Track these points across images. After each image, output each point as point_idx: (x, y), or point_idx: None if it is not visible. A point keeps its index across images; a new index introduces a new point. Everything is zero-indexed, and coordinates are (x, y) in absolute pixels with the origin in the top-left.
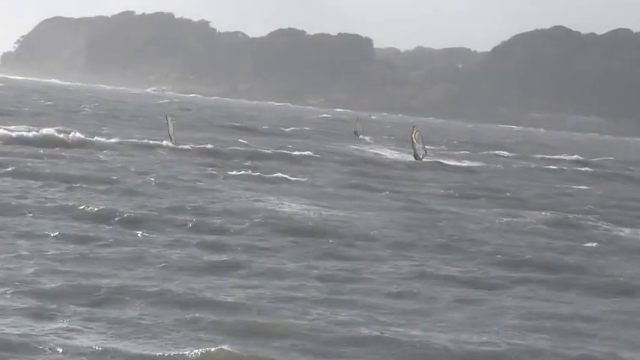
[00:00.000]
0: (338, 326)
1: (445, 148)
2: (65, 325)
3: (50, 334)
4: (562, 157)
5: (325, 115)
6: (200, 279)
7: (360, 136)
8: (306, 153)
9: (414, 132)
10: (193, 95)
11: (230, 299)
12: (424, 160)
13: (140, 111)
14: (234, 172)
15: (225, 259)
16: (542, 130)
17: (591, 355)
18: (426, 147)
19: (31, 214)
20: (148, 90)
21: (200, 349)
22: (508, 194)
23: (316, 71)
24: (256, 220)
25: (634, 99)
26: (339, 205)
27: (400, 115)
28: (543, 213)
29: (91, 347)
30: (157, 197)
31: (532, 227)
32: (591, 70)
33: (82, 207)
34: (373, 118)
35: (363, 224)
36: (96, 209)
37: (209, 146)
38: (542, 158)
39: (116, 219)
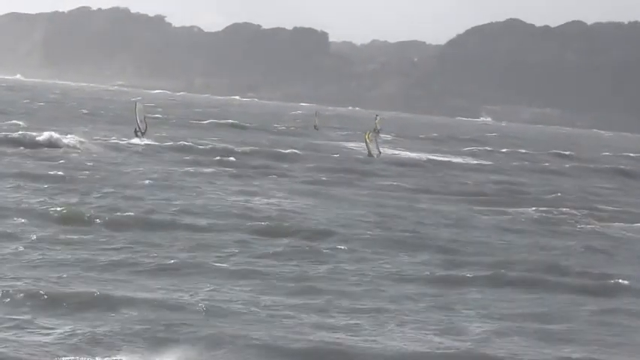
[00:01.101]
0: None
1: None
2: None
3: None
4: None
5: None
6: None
7: (319, 130)
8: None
9: (368, 133)
10: (158, 91)
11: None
12: (376, 157)
13: (105, 107)
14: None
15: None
16: (492, 122)
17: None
18: (380, 149)
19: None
20: (106, 86)
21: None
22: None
23: (272, 65)
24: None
25: (588, 91)
26: (314, 203)
27: (357, 109)
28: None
29: None
30: (123, 195)
31: (512, 224)
32: (546, 62)
33: (45, 207)
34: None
35: (324, 219)
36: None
37: (186, 143)
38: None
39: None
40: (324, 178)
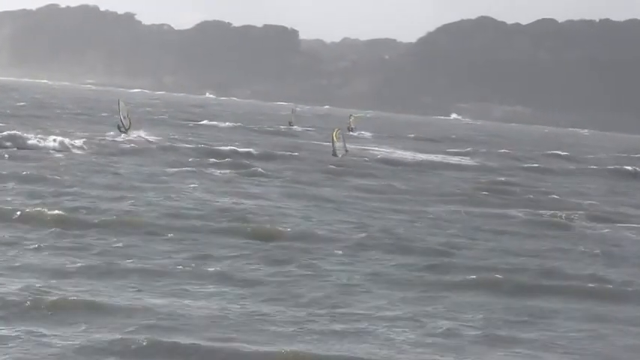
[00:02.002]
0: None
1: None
2: None
3: None
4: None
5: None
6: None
7: (294, 127)
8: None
9: (336, 132)
10: (137, 90)
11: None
12: (341, 157)
13: (80, 106)
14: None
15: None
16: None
17: None
18: (347, 146)
19: None
20: (76, 84)
21: None
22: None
23: (242, 63)
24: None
25: (559, 89)
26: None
27: (327, 107)
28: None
29: None
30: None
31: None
32: (517, 60)
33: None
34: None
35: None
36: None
37: (167, 143)
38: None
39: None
40: (310, 179)
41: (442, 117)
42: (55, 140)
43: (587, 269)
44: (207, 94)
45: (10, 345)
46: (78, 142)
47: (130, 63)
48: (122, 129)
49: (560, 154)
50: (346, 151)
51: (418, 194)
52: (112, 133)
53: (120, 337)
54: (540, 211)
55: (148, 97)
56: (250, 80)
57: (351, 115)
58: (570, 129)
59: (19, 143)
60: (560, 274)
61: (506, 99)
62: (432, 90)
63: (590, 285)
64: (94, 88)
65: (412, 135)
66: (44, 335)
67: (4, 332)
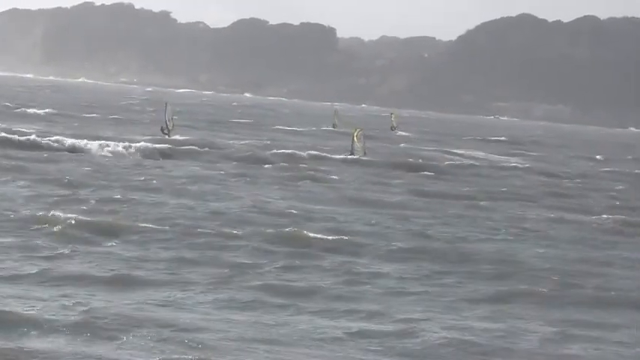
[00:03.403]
0: None
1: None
2: None
3: None
4: None
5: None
6: None
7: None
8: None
9: (357, 132)
10: (183, 90)
11: None
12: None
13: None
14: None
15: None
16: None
17: None
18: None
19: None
20: (115, 84)
21: None
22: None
23: (278, 61)
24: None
25: (600, 87)
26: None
27: (364, 105)
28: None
29: None
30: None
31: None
32: (557, 58)
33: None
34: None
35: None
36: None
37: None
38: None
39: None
40: (366, 184)
41: (483, 116)
42: (101, 145)
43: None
44: (246, 94)
45: None
46: (124, 146)
47: (165, 61)
48: (165, 131)
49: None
50: (365, 152)
51: (498, 198)
52: (156, 136)
53: None
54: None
55: (195, 97)
56: (286, 79)
57: (392, 114)
58: (618, 129)
59: (70, 147)
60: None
61: (547, 98)
62: (471, 89)
63: None
64: (137, 88)
65: (472, 137)
66: None
67: None
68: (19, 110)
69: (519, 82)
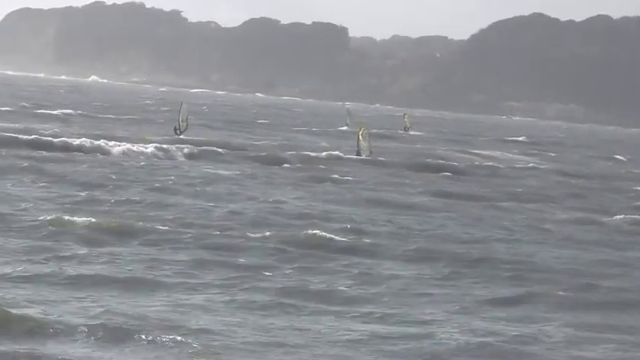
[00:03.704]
0: None
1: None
2: None
3: None
4: None
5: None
6: None
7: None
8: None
9: (362, 130)
10: (197, 90)
11: None
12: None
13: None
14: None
15: None
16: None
17: None
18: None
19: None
20: (127, 83)
21: None
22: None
23: (289, 61)
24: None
25: (613, 87)
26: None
27: (378, 105)
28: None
29: None
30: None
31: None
32: (570, 57)
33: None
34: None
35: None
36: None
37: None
38: None
39: None
40: (383, 184)
41: (498, 116)
42: (119, 145)
43: None
44: (257, 94)
45: None
46: (141, 146)
47: (176, 61)
48: (177, 131)
49: None
50: (371, 152)
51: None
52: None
53: None
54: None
55: (209, 97)
56: (297, 79)
57: (405, 115)
58: (634, 129)
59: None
60: None
61: (560, 97)
62: (483, 88)
63: None
64: (150, 87)
65: (488, 137)
66: None
67: None
68: (38, 111)
69: (532, 82)
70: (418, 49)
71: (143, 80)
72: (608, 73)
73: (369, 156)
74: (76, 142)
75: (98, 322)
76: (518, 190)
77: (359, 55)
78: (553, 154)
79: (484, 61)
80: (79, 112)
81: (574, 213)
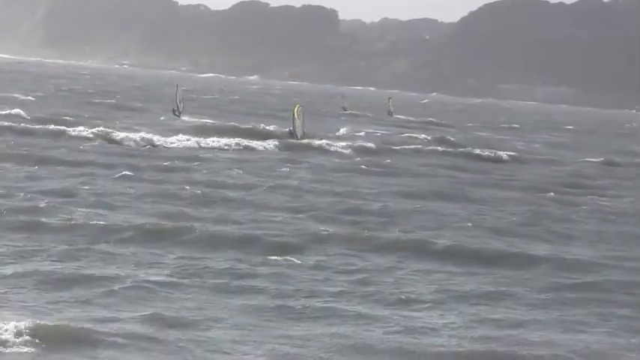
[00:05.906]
0: None
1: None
2: None
3: None
4: None
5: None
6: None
7: (348, 112)
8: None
9: (297, 108)
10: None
11: None
12: (300, 139)
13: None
14: None
15: None
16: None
17: None
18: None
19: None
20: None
21: None
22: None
23: (279, 44)
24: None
25: (603, 69)
26: None
27: (373, 89)
28: None
29: None
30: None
31: None
32: (560, 40)
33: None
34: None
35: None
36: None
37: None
38: None
39: None
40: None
41: (493, 99)
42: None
43: None
44: (251, 77)
45: None
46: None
47: (166, 44)
48: (176, 112)
49: None
50: (304, 132)
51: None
52: (162, 118)
53: None
54: None
55: (220, 82)
56: (287, 62)
57: (389, 99)
58: (626, 110)
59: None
60: None
61: (551, 80)
62: (474, 71)
63: None
64: (172, 72)
65: (502, 124)
66: None
67: None
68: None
69: (522, 65)
70: (408, 32)
71: (133, 63)
72: (600, 55)
73: (302, 136)
74: (112, 134)
75: (138, 325)
76: (547, 179)
77: (349, 38)
78: (566, 140)
79: (474, 44)
80: (122, 102)
81: (613, 201)
